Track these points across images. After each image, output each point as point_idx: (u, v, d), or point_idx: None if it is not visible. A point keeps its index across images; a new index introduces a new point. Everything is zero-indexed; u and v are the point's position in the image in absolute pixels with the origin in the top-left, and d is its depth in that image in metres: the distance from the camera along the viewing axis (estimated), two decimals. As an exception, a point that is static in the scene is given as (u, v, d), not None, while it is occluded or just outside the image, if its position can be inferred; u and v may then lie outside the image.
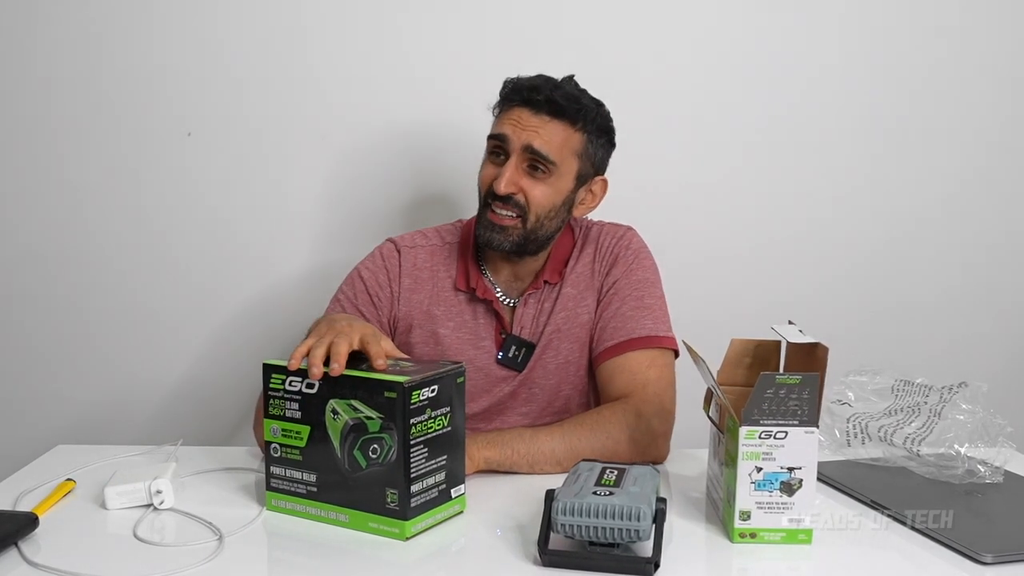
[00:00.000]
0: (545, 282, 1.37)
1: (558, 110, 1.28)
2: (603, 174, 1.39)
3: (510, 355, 1.35)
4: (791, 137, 1.82)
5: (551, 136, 1.28)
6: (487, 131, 1.36)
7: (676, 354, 1.33)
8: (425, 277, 1.39)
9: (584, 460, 1.01)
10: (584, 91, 1.34)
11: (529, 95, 1.28)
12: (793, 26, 1.79)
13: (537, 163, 1.28)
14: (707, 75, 1.79)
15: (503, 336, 1.37)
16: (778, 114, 1.81)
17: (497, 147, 1.31)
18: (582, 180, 1.34)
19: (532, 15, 1.75)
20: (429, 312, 1.37)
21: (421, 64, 1.75)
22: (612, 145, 1.38)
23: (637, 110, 1.78)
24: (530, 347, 1.36)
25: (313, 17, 1.73)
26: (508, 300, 1.39)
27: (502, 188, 1.27)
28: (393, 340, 1.35)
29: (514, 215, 1.30)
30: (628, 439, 1.20)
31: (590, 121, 1.31)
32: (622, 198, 1.79)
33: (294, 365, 0.99)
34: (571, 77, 1.35)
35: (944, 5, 1.80)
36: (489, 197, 1.31)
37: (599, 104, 1.34)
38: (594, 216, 1.47)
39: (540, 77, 1.32)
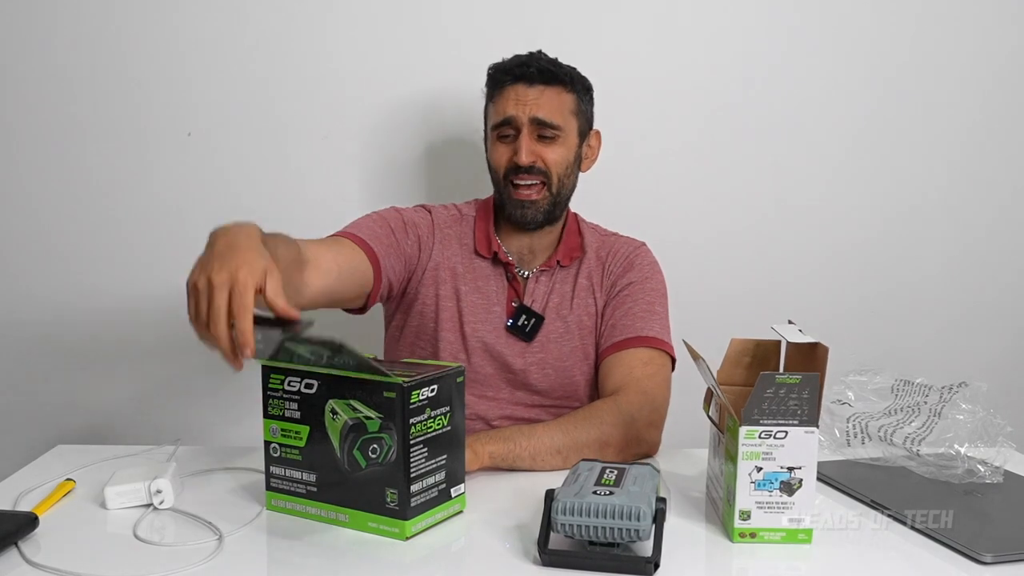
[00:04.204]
0: (558, 263, 1.43)
1: (550, 77, 1.36)
2: (593, 127, 1.47)
3: (519, 324, 1.40)
4: (793, 137, 1.82)
5: (550, 102, 1.36)
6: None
7: (673, 365, 1.37)
8: (452, 236, 1.44)
9: (584, 460, 1.01)
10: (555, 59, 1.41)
11: (521, 71, 1.36)
12: (794, 28, 1.79)
13: (546, 131, 1.36)
14: (708, 76, 1.79)
15: (515, 305, 1.41)
16: (780, 115, 1.81)
17: (505, 130, 1.37)
18: (583, 136, 1.43)
19: (536, 16, 1.75)
20: (454, 270, 1.42)
21: (422, 63, 1.75)
22: (592, 100, 1.45)
23: (640, 109, 1.79)
24: (539, 319, 1.40)
25: (313, 17, 1.73)
26: (522, 271, 1.44)
27: (524, 159, 1.35)
28: (414, 290, 1.40)
29: (539, 182, 1.37)
30: (620, 428, 1.23)
31: (576, 81, 1.40)
32: (624, 196, 1.79)
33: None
34: (539, 51, 1.41)
35: (943, 5, 1.81)
36: (510, 174, 1.37)
37: (571, 66, 1.42)
38: (601, 221, 1.53)
39: (518, 56, 1.39)
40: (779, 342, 1.10)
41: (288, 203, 1.77)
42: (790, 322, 1.07)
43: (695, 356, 1.02)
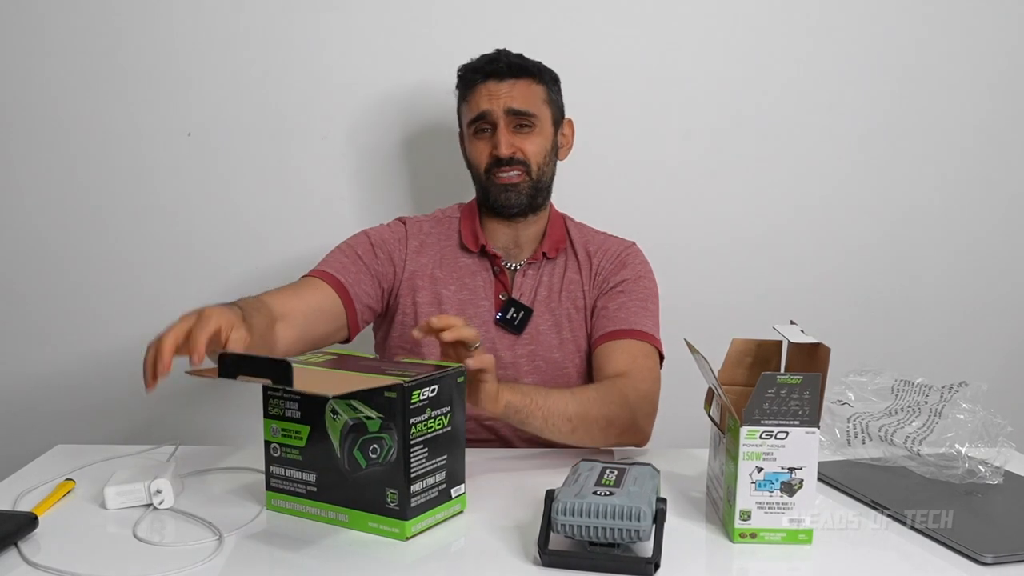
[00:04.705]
0: (544, 254, 1.44)
1: (519, 70, 1.41)
2: (564, 116, 1.50)
3: (508, 317, 1.41)
4: (793, 137, 1.82)
5: (523, 94, 1.40)
6: None
7: (661, 362, 1.39)
8: (431, 241, 1.46)
9: (584, 460, 1.01)
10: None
11: (491, 67, 1.40)
12: (787, 21, 1.79)
13: (522, 121, 1.40)
14: (701, 74, 1.79)
15: (503, 298, 1.42)
16: (780, 114, 1.81)
17: (481, 125, 1.40)
18: (556, 125, 1.46)
19: (531, 17, 1.75)
20: (433, 275, 1.43)
21: (420, 62, 1.75)
22: (560, 90, 1.49)
23: (633, 109, 1.78)
24: (528, 312, 1.41)
25: (312, 17, 1.73)
26: (509, 263, 1.46)
27: (504, 151, 1.38)
28: (395, 302, 1.42)
29: (520, 172, 1.40)
30: (627, 411, 1.25)
31: (544, 72, 1.44)
32: (624, 196, 1.79)
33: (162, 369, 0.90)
34: (503, 49, 1.44)
35: (946, 8, 1.80)
36: (492, 167, 1.40)
37: (537, 60, 1.46)
38: (599, 222, 1.53)
39: (485, 55, 1.43)
40: (780, 342, 1.10)
41: (287, 203, 1.78)
42: (792, 322, 1.07)
43: (697, 355, 1.02)
